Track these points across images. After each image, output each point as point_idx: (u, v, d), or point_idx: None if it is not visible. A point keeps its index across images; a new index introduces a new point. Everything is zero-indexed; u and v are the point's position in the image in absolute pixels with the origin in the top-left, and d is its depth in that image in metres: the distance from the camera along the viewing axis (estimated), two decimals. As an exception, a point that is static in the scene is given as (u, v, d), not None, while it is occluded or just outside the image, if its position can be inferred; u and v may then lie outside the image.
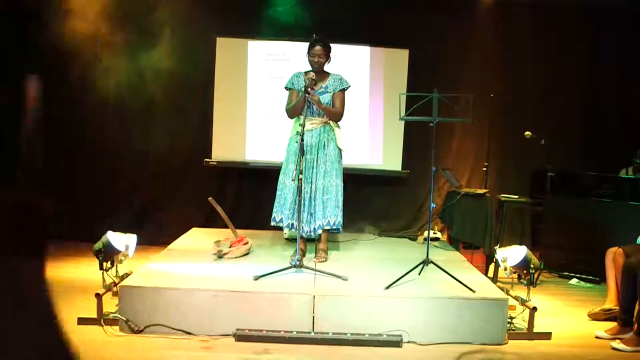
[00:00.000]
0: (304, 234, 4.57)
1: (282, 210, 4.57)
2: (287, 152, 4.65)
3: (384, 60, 6.41)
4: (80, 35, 6.01)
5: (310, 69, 4.56)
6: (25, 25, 5.95)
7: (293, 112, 4.54)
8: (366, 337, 3.61)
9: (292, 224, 4.54)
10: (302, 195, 4.43)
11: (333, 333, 3.62)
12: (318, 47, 4.45)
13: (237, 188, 6.49)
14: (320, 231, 4.58)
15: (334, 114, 4.55)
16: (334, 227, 4.55)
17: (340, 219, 4.55)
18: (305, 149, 4.43)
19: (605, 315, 4.23)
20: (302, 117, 4.26)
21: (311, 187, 4.53)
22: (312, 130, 4.52)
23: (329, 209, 4.51)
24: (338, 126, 4.63)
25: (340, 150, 4.61)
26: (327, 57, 4.52)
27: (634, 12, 6.31)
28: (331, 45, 4.55)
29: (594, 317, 4.28)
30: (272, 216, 4.64)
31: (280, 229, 4.73)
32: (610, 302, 4.27)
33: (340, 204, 4.57)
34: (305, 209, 4.52)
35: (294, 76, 4.62)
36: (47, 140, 6.20)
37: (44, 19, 5.98)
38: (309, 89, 4.30)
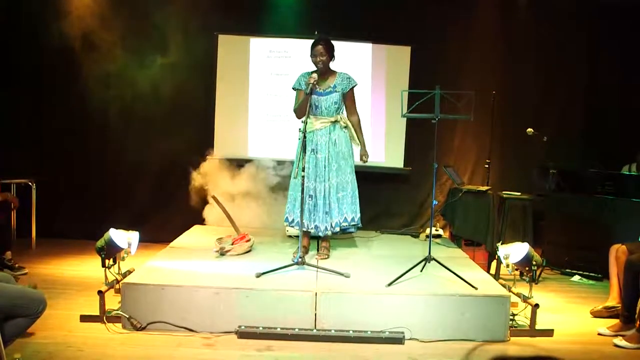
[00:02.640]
0: (320, 233, 4.58)
1: (294, 211, 4.59)
2: (296, 152, 4.65)
3: (385, 57, 6.41)
4: (82, 34, 6.00)
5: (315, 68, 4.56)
6: (25, 26, 5.99)
7: (300, 113, 4.54)
8: (368, 334, 3.61)
9: (307, 224, 4.54)
10: (316, 195, 4.46)
11: (335, 330, 3.63)
12: (319, 46, 4.44)
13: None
14: (338, 229, 4.56)
15: (360, 127, 4.68)
16: (353, 224, 4.57)
17: (358, 214, 4.58)
18: (316, 147, 4.47)
19: (607, 313, 4.22)
20: (304, 116, 4.26)
21: (324, 186, 4.53)
22: (322, 129, 4.53)
23: (345, 206, 4.54)
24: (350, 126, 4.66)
25: (351, 146, 4.65)
26: (331, 55, 4.50)
27: (634, 12, 6.29)
28: (333, 43, 4.53)
29: (597, 314, 4.28)
30: (285, 216, 4.68)
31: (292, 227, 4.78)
32: (613, 300, 4.26)
33: (357, 199, 4.60)
34: (321, 208, 4.53)
35: (300, 76, 4.62)
36: (50, 139, 6.23)
37: (44, 20, 6.00)
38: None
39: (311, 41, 4.53)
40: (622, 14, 6.37)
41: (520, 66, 6.50)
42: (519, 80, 6.50)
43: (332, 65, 4.60)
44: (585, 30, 6.52)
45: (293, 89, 4.66)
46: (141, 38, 6.13)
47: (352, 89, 4.58)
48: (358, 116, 4.68)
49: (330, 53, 4.48)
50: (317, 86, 4.38)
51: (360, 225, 4.65)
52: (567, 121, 6.58)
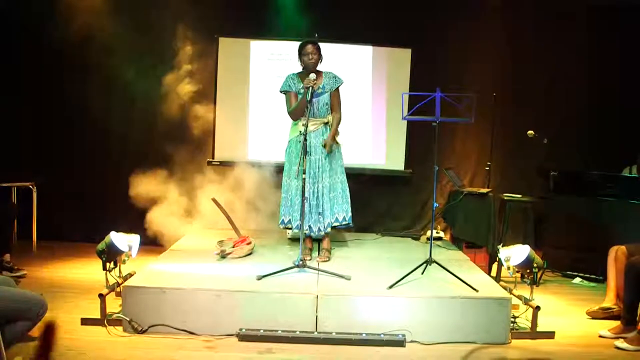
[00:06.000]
0: (313, 234, 4.61)
1: (290, 212, 4.61)
2: (287, 154, 4.69)
3: (386, 60, 6.41)
4: (82, 38, 6.01)
5: (300, 70, 4.60)
6: (25, 31, 6.00)
7: (296, 113, 4.55)
8: (369, 336, 3.61)
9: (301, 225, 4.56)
10: (309, 196, 4.48)
11: (336, 333, 3.62)
12: (310, 46, 4.49)
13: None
14: (329, 229, 4.61)
15: (338, 123, 4.64)
16: (344, 223, 4.61)
17: (349, 213, 4.62)
18: (309, 149, 4.46)
19: (603, 314, 4.23)
20: (303, 119, 4.27)
21: (317, 187, 4.57)
22: (315, 130, 4.55)
23: (336, 206, 4.59)
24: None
25: (339, 145, 4.67)
26: (320, 56, 4.54)
27: (634, 12, 6.29)
28: (329, 47, 4.57)
29: (593, 315, 4.28)
30: (281, 219, 4.68)
31: (289, 229, 4.78)
32: (610, 301, 4.27)
33: (348, 198, 4.65)
34: (314, 208, 4.56)
35: (288, 78, 4.65)
36: (50, 142, 6.24)
37: (43, 25, 6.02)
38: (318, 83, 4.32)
39: None
40: (622, 14, 6.36)
41: (520, 68, 6.49)
42: (520, 82, 6.49)
43: (323, 66, 4.65)
44: (585, 30, 6.51)
45: (281, 92, 4.68)
46: (141, 41, 6.12)
47: (338, 87, 4.62)
48: (340, 115, 4.68)
49: (319, 53, 4.53)
50: (316, 86, 4.39)
51: (351, 224, 4.67)
52: (568, 122, 6.55)
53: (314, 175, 4.56)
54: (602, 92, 6.50)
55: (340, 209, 4.59)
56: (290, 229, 4.74)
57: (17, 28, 6.12)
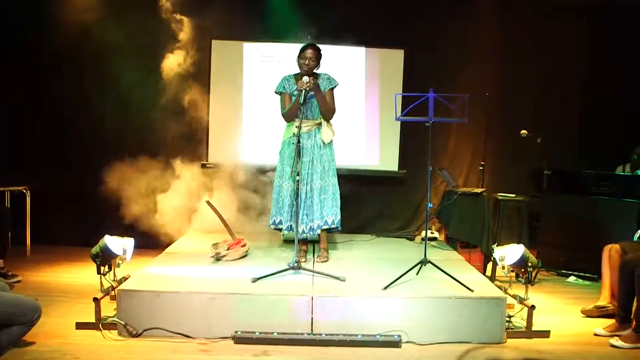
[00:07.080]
0: (299, 235, 4.59)
1: (280, 213, 4.61)
2: (280, 155, 4.68)
3: (379, 61, 6.42)
4: (77, 42, 5.99)
5: (298, 71, 4.59)
6: (22, 36, 5.96)
7: (290, 115, 4.55)
8: (365, 337, 3.61)
9: (292, 226, 4.56)
10: (299, 197, 4.46)
11: (332, 334, 3.62)
12: (310, 51, 4.48)
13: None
14: (319, 231, 4.61)
15: (329, 110, 4.59)
16: (333, 226, 4.59)
17: (338, 217, 4.61)
18: (301, 150, 4.46)
19: (598, 312, 4.24)
20: (297, 120, 4.27)
21: (307, 188, 4.56)
22: (307, 132, 4.54)
23: (326, 209, 4.58)
24: (329, 123, 4.65)
25: (331, 146, 4.65)
26: (317, 62, 4.53)
27: (633, 12, 6.31)
28: (322, 48, 4.57)
29: (588, 314, 4.30)
30: (272, 220, 4.68)
31: (279, 230, 4.78)
32: (604, 299, 4.28)
33: (338, 202, 4.63)
34: (301, 209, 4.53)
35: (283, 80, 4.64)
36: (44, 146, 6.22)
37: (37, 30, 6.01)
38: (310, 85, 4.31)
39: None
40: (621, 14, 6.39)
41: (515, 67, 6.51)
42: (514, 82, 6.51)
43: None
44: (582, 30, 6.53)
45: (276, 92, 4.67)
46: (136, 44, 6.12)
47: (331, 89, 4.60)
48: (334, 108, 4.64)
49: (318, 60, 4.53)
50: (310, 89, 4.38)
51: (340, 228, 4.67)
52: (563, 121, 6.58)
53: (304, 176, 4.55)
54: (597, 92, 6.52)
55: (329, 212, 4.58)
56: (280, 230, 4.72)
57: (17, 28, 6.11)
